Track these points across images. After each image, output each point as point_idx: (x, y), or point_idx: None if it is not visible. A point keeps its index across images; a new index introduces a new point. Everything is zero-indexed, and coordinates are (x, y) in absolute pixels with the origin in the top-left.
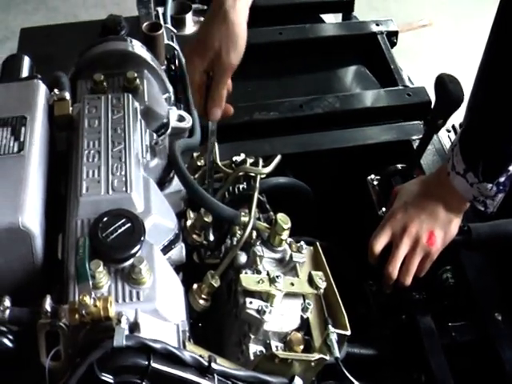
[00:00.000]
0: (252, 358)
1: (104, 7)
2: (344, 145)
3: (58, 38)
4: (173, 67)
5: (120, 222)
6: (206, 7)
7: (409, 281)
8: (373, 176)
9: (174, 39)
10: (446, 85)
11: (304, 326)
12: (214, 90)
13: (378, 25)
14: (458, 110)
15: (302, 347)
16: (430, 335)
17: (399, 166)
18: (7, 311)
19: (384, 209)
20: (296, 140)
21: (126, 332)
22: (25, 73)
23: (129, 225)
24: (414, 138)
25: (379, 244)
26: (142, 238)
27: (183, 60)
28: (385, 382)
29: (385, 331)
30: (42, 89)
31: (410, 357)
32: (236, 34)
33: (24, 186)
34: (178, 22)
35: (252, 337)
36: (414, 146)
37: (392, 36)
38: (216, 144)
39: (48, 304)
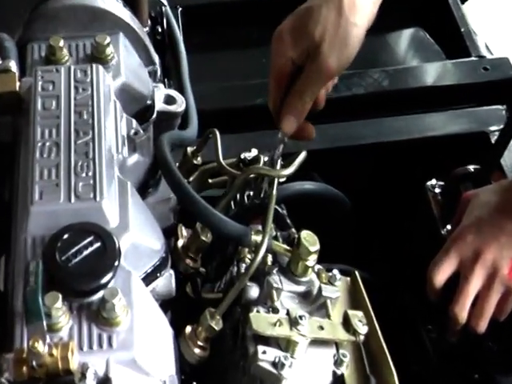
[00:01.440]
0: None
1: None
2: (394, 138)
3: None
4: (159, 29)
5: (86, 241)
6: None
7: (483, 326)
8: (434, 181)
9: None
10: None
11: None
12: (295, 94)
13: None
14: None
15: None
16: None
17: (471, 167)
18: None
19: (449, 226)
20: (327, 131)
21: None
22: None
23: (98, 244)
24: (493, 128)
25: (442, 274)
26: (116, 263)
27: (173, 21)
28: None
29: None
30: None
31: None
32: (349, 33)
33: None
34: None
35: None
36: (492, 141)
37: None
38: (218, 136)
39: None
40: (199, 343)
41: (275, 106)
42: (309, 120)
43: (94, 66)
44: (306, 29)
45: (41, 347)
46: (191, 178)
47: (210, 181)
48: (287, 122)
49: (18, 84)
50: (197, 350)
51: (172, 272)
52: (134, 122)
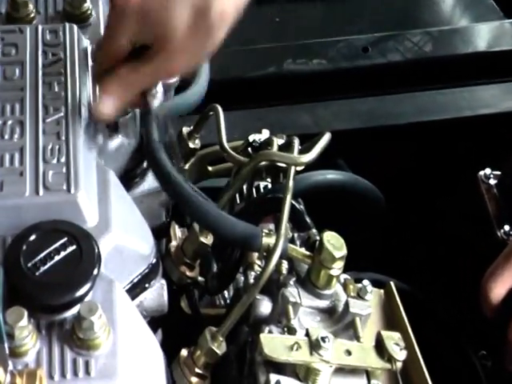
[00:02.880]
0: None
1: None
2: (438, 116)
3: None
4: None
5: (58, 244)
6: None
7: None
8: (488, 170)
9: None
10: None
11: None
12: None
13: None
14: None
15: None
16: None
17: None
18: None
19: (507, 227)
20: (355, 107)
21: None
22: None
23: (73, 248)
24: None
25: (501, 287)
26: (96, 271)
27: None
28: None
29: None
30: None
31: None
32: None
33: None
34: None
35: None
36: None
37: None
38: (221, 114)
39: None
40: (197, 371)
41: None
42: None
43: (67, 25)
44: None
45: (1, 376)
46: (187, 165)
47: (209, 168)
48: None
49: None
50: (194, 379)
51: (164, 282)
52: None
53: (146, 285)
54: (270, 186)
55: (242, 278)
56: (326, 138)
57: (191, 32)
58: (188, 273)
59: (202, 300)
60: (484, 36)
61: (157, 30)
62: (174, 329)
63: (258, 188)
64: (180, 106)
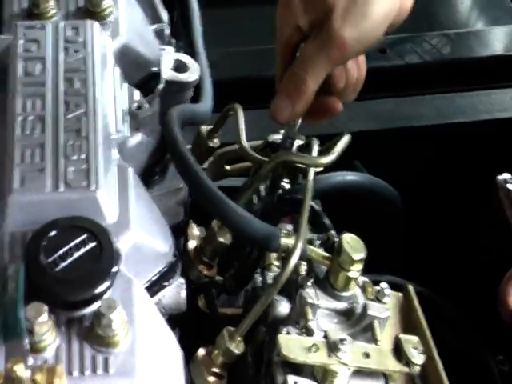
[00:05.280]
0: None
1: None
2: (455, 119)
3: None
4: None
5: (77, 241)
6: None
7: None
8: (507, 176)
9: None
10: None
11: None
12: (294, 71)
13: None
14: None
15: None
16: None
17: None
18: None
19: None
20: (374, 108)
21: None
22: None
23: (92, 245)
24: None
25: None
26: (115, 269)
27: None
28: None
29: None
30: None
31: None
32: (369, 4)
33: None
34: None
35: None
36: None
37: None
38: (241, 113)
39: None
40: (214, 370)
41: (277, 83)
42: None
43: (88, 22)
44: None
45: (21, 371)
46: (205, 164)
47: (227, 167)
48: (279, 106)
49: None
50: (211, 379)
51: (182, 281)
52: (137, 93)
53: (165, 283)
54: (287, 186)
55: (260, 278)
56: (346, 139)
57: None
58: (206, 272)
59: (220, 299)
60: (502, 39)
61: (318, 3)
62: (191, 327)
63: (276, 188)
64: (197, 115)
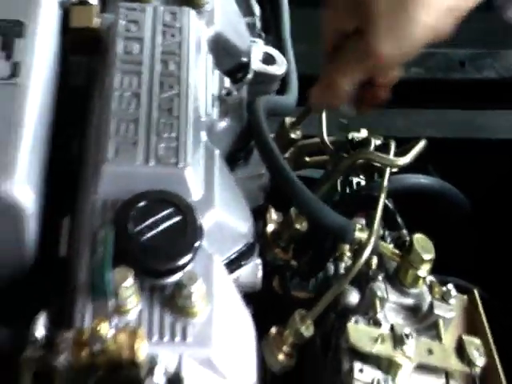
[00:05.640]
0: None
1: None
2: None
3: None
4: None
5: (164, 213)
6: None
7: None
8: None
9: None
10: None
11: None
12: (332, 72)
13: None
14: None
15: None
16: None
17: None
18: None
19: None
20: (450, 118)
21: None
22: None
23: (177, 219)
24: None
25: None
26: (198, 243)
27: None
28: None
29: None
30: None
31: None
32: (409, 24)
33: (15, 136)
34: None
35: None
36: None
37: None
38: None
39: (41, 327)
40: (285, 349)
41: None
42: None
43: (185, 9)
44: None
45: (105, 330)
46: (286, 154)
47: (307, 159)
48: (314, 98)
49: (96, 20)
50: (281, 357)
51: (259, 261)
52: (227, 80)
53: (243, 262)
54: (362, 182)
55: (332, 267)
56: (422, 144)
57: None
58: (282, 255)
59: (293, 282)
60: None
61: (361, 10)
62: (264, 307)
63: (351, 183)
64: (282, 107)
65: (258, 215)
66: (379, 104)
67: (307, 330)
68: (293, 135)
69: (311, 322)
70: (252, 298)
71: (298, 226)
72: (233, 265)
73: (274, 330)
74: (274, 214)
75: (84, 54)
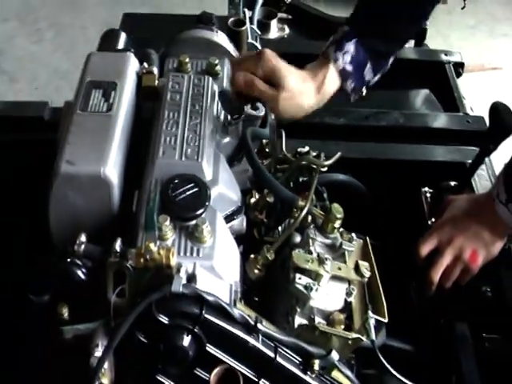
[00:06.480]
0: (296, 328)
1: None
2: (403, 157)
3: (155, 26)
4: None
5: (189, 186)
6: (290, 16)
7: (449, 285)
8: (427, 188)
9: (258, 40)
10: (499, 112)
11: (346, 308)
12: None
13: (446, 55)
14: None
15: (342, 327)
16: (464, 341)
17: (452, 183)
18: (82, 246)
19: (433, 219)
20: (359, 147)
21: (184, 281)
22: (120, 46)
23: (196, 189)
24: (469, 161)
25: (426, 248)
26: (207, 203)
27: None
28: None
29: (423, 331)
30: (134, 61)
31: (444, 358)
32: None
33: (109, 142)
34: (264, 27)
35: (298, 310)
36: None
37: (458, 67)
38: (284, 135)
39: (118, 245)
40: (258, 266)
41: None
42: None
43: (206, 77)
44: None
45: (153, 247)
46: (265, 162)
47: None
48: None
49: (156, 82)
50: (256, 271)
51: (244, 217)
52: (229, 116)
53: (234, 217)
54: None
55: (287, 222)
56: (339, 154)
57: None
58: (259, 216)
59: (265, 232)
60: (431, 119)
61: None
62: (248, 246)
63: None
64: (261, 135)
65: (246, 193)
66: None
67: (271, 256)
68: (267, 149)
69: (273, 252)
70: (240, 239)
71: (268, 199)
72: (228, 218)
73: (252, 256)
74: (255, 194)
75: (150, 100)
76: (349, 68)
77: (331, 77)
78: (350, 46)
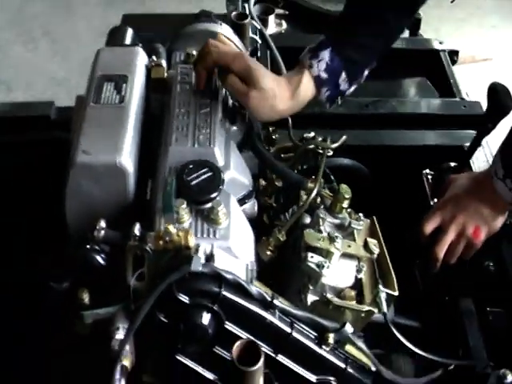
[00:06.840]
0: (309, 305)
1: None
2: (402, 143)
3: (155, 25)
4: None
5: (203, 171)
6: (287, 12)
7: (453, 261)
8: (428, 170)
9: (258, 34)
10: (497, 92)
11: (357, 285)
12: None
13: (441, 43)
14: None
15: (354, 303)
16: (469, 316)
17: (452, 164)
18: (102, 232)
19: (435, 199)
20: (360, 134)
21: (202, 260)
22: (127, 42)
23: (210, 174)
24: (467, 144)
25: (430, 226)
26: (221, 187)
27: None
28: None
29: (429, 308)
30: (142, 55)
31: (450, 333)
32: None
33: (123, 132)
34: (262, 22)
35: (311, 288)
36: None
37: (453, 55)
38: (290, 122)
39: (137, 229)
40: (270, 248)
41: None
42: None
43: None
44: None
45: (172, 230)
46: (272, 150)
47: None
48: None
49: (165, 74)
50: (268, 252)
51: (255, 201)
52: (237, 105)
53: (246, 201)
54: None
55: (296, 207)
56: (345, 137)
57: None
58: (268, 200)
59: (274, 217)
60: (428, 105)
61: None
62: (258, 231)
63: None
64: None
65: (255, 178)
66: None
67: (282, 237)
68: (274, 137)
69: (284, 233)
70: (251, 223)
71: (277, 184)
72: (241, 201)
73: (264, 238)
74: (262, 182)
75: (159, 93)
76: (323, 75)
77: (306, 83)
78: (325, 55)
